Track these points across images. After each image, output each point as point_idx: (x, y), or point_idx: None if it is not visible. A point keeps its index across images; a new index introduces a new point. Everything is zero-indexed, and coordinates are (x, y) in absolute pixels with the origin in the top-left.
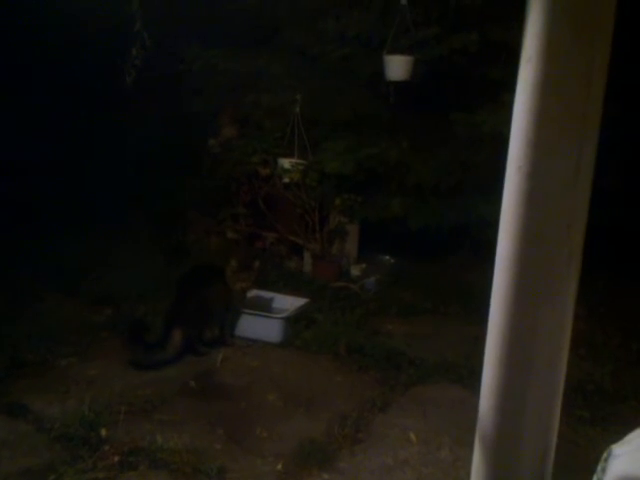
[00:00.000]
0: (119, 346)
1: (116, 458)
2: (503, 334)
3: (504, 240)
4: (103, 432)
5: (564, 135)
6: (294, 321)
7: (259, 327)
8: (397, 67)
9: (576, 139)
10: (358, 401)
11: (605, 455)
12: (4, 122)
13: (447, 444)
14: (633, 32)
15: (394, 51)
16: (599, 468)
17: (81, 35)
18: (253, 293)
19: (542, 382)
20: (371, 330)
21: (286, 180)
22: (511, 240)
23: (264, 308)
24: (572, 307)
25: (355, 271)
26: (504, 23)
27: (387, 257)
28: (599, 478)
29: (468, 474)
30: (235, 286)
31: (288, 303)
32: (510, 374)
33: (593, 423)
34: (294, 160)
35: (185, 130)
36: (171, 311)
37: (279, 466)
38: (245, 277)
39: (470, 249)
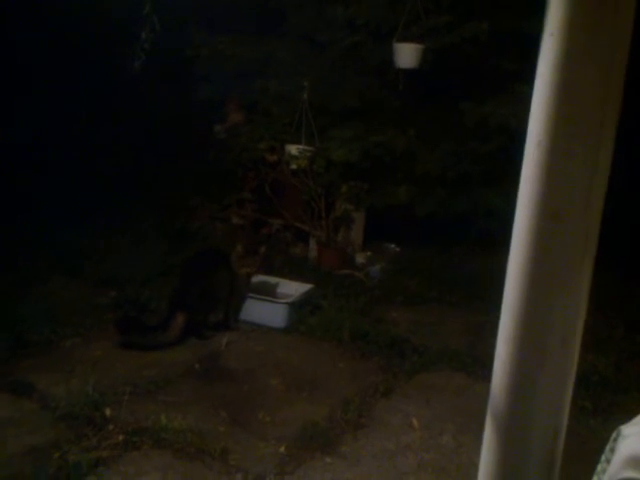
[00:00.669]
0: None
1: (120, 437)
2: (518, 312)
3: (520, 217)
4: (107, 412)
5: (585, 110)
6: (299, 307)
7: (264, 312)
8: (407, 55)
9: (598, 114)
10: (361, 387)
11: (614, 436)
12: (11, 109)
13: (450, 430)
14: None
15: (404, 39)
16: (607, 449)
17: (88, 21)
18: (258, 278)
19: (555, 362)
20: (375, 317)
21: (293, 167)
22: (528, 217)
23: (269, 293)
24: (588, 288)
25: (360, 258)
26: (515, 12)
27: (392, 245)
28: (607, 459)
29: (470, 460)
30: (240, 271)
31: (293, 289)
32: (523, 353)
33: (595, 413)
34: (301, 147)
35: (191, 116)
36: (175, 295)
37: (282, 449)
38: (250, 262)
39: (475, 238)
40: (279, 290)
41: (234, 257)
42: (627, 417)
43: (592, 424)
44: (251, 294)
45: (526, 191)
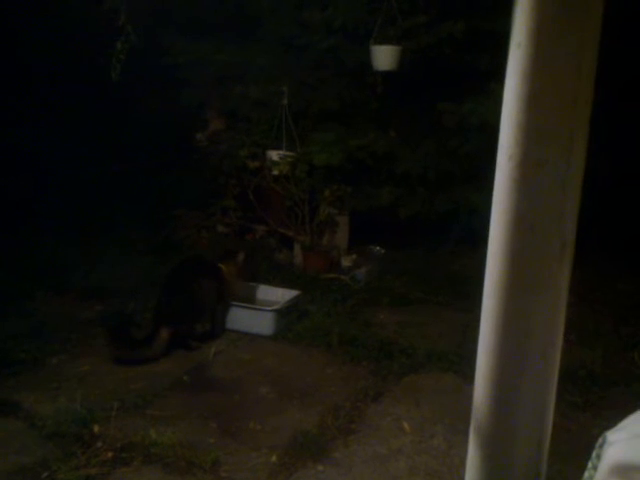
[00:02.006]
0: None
1: (109, 454)
2: (497, 323)
3: (496, 230)
4: (96, 428)
5: (555, 121)
6: (286, 313)
7: (251, 320)
8: (384, 57)
9: (568, 125)
10: (351, 392)
11: (600, 442)
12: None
13: (440, 432)
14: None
15: (381, 41)
16: (594, 455)
17: (65, 31)
18: (244, 286)
19: (536, 370)
20: (363, 320)
21: (275, 172)
22: (503, 230)
23: (255, 301)
24: (565, 296)
25: (346, 262)
26: (491, 11)
27: (377, 248)
28: (594, 465)
29: (462, 462)
30: (240, 280)
31: (279, 295)
32: (504, 363)
33: (584, 408)
34: (282, 152)
35: (172, 124)
36: (159, 308)
37: (273, 458)
38: (241, 270)
39: (459, 238)
40: (265, 297)
41: (236, 266)
42: (616, 413)
43: (582, 420)
44: (238, 302)
45: (500, 203)
